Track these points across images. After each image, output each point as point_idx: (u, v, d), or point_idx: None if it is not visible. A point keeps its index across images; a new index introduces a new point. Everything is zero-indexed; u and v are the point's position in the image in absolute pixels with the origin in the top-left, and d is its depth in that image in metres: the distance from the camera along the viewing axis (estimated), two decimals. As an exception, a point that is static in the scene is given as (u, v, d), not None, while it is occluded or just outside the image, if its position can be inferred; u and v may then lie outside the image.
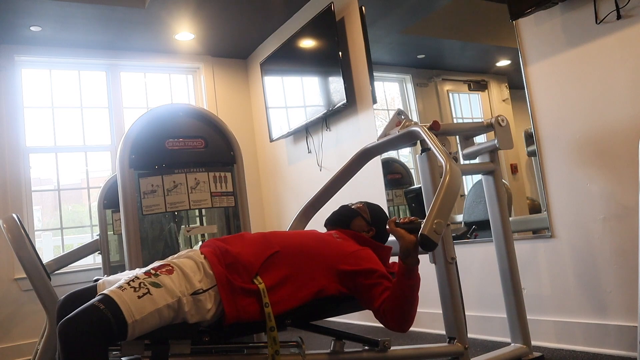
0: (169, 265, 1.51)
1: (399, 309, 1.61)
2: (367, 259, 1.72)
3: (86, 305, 1.34)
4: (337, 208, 2.03)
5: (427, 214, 1.61)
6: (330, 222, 2.01)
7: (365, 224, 1.96)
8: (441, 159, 1.78)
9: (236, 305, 1.52)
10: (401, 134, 2.14)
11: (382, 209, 2.04)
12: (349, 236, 1.87)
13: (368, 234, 1.94)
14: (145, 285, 1.40)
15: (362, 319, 3.54)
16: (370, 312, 1.68)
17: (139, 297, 1.36)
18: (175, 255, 1.63)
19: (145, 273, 1.46)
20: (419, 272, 1.63)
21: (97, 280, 1.63)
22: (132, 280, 1.41)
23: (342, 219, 1.98)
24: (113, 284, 1.51)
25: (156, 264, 1.56)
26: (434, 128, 2.05)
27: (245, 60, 4.99)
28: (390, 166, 3.41)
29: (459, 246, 2.75)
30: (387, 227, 1.67)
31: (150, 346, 1.48)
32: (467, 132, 2.32)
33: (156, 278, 1.44)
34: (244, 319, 1.53)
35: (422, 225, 1.58)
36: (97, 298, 1.37)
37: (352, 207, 2.02)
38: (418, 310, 1.65)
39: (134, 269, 2.14)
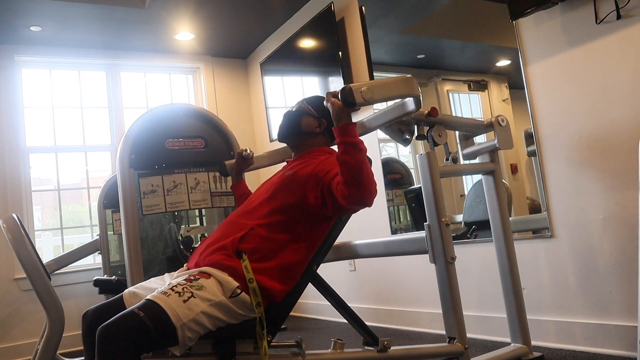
0: (205, 272, 1.53)
1: (348, 173, 1.63)
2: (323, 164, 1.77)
3: (126, 311, 1.35)
4: (282, 119, 1.98)
5: None
6: (282, 136, 1.97)
7: (313, 119, 1.93)
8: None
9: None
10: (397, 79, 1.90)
11: (321, 97, 1.92)
12: (302, 159, 1.87)
13: (321, 129, 1.92)
14: (189, 290, 1.43)
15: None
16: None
17: (184, 300, 1.39)
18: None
19: (186, 280, 1.48)
20: None
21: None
22: (175, 286, 1.44)
23: (291, 125, 1.94)
24: (138, 294, 1.56)
25: (192, 272, 1.57)
26: (432, 114, 2.05)
27: (245, 60, 4.99)
28: (390, 166, 3.40)
29: (459, 246, 2.74)
30: (325, 100, 1.69)
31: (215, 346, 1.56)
32: (465, 127, 2.31)
33: (197, 282, 1.47)
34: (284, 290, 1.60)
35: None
36: (139, 304, 1.38)
37: (294, 109, 1.97)
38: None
39: (134, 269, 2.15)
